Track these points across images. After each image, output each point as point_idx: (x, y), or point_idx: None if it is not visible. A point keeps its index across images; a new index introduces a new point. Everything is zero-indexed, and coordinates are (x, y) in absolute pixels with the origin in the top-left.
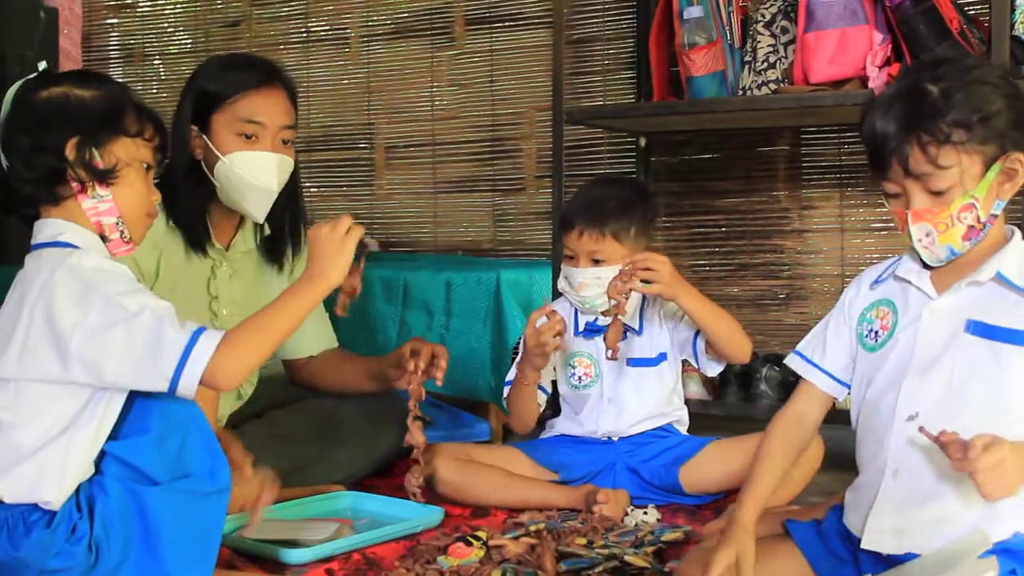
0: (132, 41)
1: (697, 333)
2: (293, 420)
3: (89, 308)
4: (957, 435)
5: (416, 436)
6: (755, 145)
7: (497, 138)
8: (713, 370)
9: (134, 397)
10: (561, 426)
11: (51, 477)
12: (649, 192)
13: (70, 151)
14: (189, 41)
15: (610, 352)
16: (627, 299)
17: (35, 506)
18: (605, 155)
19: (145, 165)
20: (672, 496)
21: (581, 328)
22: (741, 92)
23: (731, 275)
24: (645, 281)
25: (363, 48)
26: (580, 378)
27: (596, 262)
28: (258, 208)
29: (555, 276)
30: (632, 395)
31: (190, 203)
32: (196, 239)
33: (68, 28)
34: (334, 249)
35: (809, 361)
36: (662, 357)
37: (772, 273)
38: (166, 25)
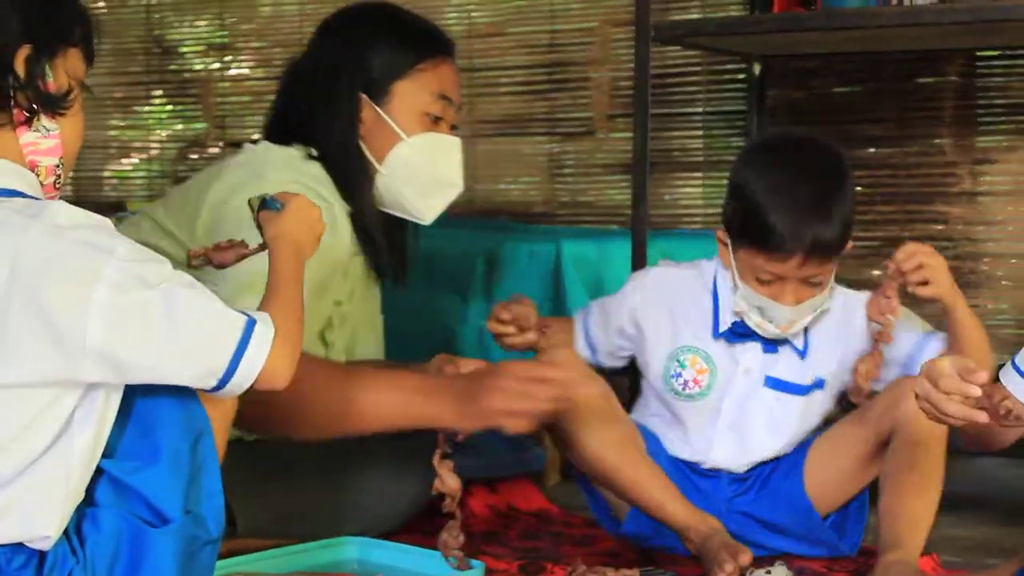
0: None
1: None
2: (295, 453)
3: (94, 283)
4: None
5: (448, 481)
6: (913, 75)
7: (557, 63)
8: None
9: (132, 398)
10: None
11: (45, 504)
12: (847, 162)
13: (20, 66)
14: None
15: (854, 393)
16: (895, 320)
17: (18, 547)
18: (704, 87)
19: (81, 84)
20: (803, 529)
21: (723, 327)
22: (896, 1)
23: (874, 253)
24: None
25: None
26: (686, 383)
27: (810, 283)
28: (432, 208)
29: (637, 249)
30: (762, 425)
31: (365, 196)
32: (375, 246)
33: None
34: (311, 228)
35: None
36: (818, 385)
37: None
38: None
